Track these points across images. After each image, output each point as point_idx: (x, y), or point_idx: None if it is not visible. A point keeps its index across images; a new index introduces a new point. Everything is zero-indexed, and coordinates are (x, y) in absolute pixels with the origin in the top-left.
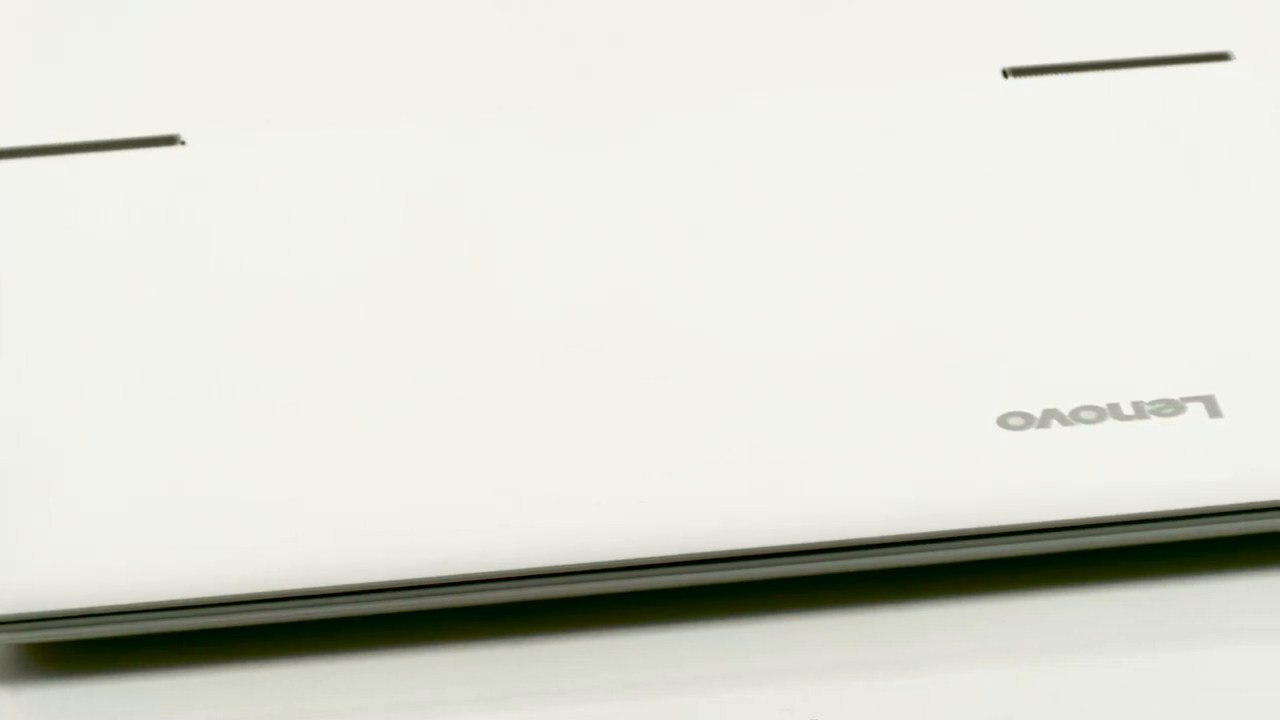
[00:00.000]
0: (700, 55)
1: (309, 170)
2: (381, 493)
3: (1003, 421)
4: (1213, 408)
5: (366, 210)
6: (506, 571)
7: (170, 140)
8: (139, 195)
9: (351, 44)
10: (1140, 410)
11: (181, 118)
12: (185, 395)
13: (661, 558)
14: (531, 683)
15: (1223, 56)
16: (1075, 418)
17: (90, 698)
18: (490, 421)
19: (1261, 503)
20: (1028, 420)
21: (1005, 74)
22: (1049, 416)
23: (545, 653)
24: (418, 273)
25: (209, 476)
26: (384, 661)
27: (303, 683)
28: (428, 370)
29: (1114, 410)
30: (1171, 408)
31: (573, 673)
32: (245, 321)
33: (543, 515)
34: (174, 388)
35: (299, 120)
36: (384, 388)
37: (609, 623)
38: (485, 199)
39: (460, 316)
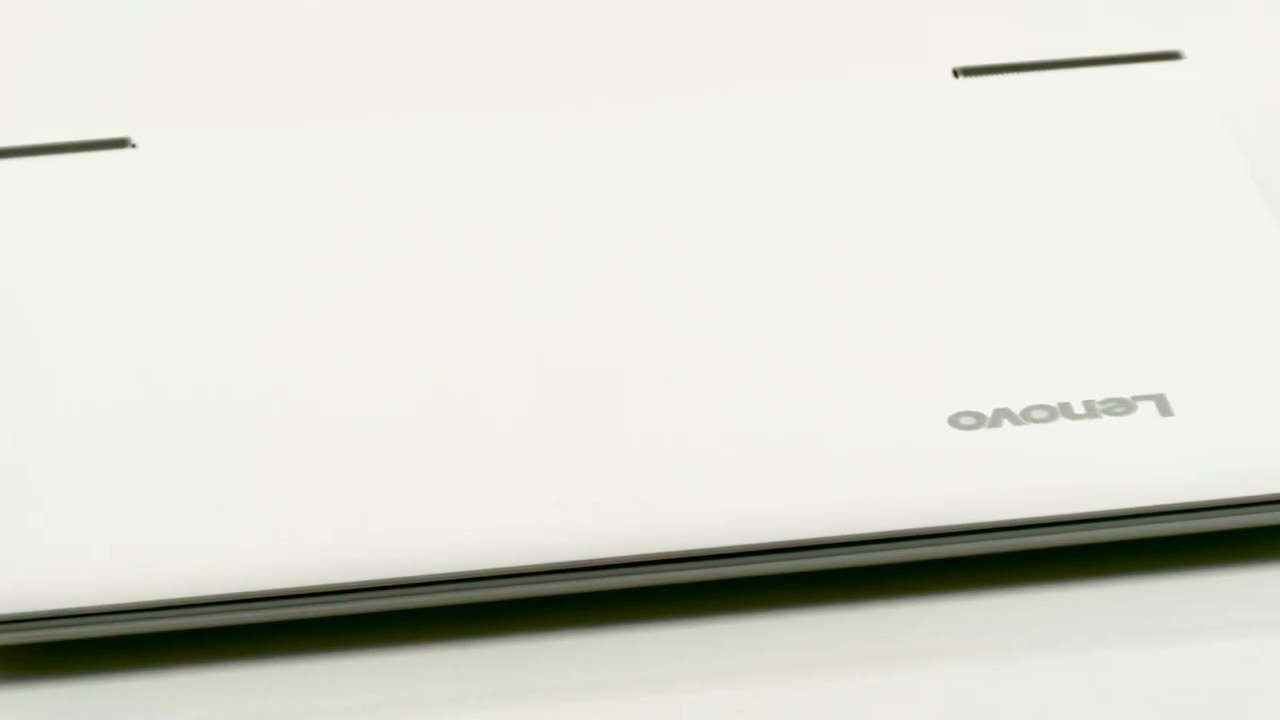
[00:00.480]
0: (696, 55)
1: (284, 171)
2: (368, 493)
3: (954, 421)
4: (1164, 406)
5: (354, 209)
6: (467, 573)
7: (121, 143)
8: (97, 197)
9: (345, 44)
10: (1091, 409)
11: (172, 118)
12: (173, 395)
13: (617, 559)
14: (500, 683)
15: (1173, 55)
16: (1026, 417)
17: (69, 699)
18: (453, 422)
19: (1212, 501)
20: (979, 420)
21: (955, 73)
22: (1000, 416)
23: (508, 653)
24: (409, 271)
25: (191, 477)
26: (363, 661)
27: (284, 682)
28: (413, 369)
29: (1065, 409)
30: (1123, 407)
31: (538, 673)
32: (233, 321)
33: (504, 516)
34: (162, 387)
35: (292, 121)
36: (373, 388)
37: (567, 623)
38: (473, 198)
39: (447, 313)
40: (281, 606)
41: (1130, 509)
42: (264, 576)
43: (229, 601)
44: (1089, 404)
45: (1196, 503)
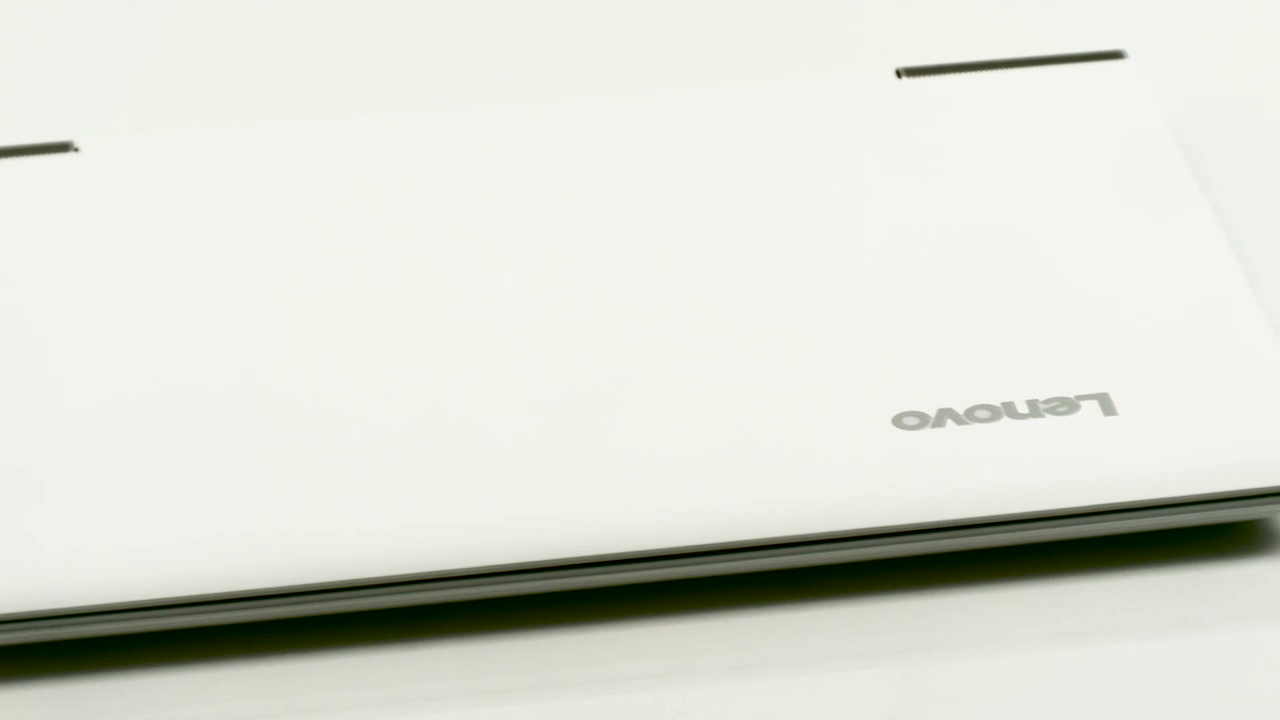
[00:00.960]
0: (637, 54)
1: (233, 171)
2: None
3: (898, 421)
4: (1107, 406)
5: (309, 206)
6: (394, 576)
7: (64, 147)
8: (43, 201)
9: (305, 42)
10: (1035, 409)
11: (115, 120)
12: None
13: (555, 561)
14: (439, 685)
15: (1116, 55)
16: (970, 417)
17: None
18: (403, 423)
19: (1155, 500)
20: (923, 420)
21: (899, 73)
22: (944, 416)
23: (445, 655)
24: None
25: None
26: (335, 660)
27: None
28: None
29: (1009, 409)
30: (1066, 406)
31: (470, 675)
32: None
33: (440, 519)
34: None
35: (238, 122)
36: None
37: (507, 626)
38: (427, 195)
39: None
40: (278, 605)
41: (1073, 508)
42: (260, 575)
43: (226, 600)
44: (1032, 404)
45: (1140, 502)
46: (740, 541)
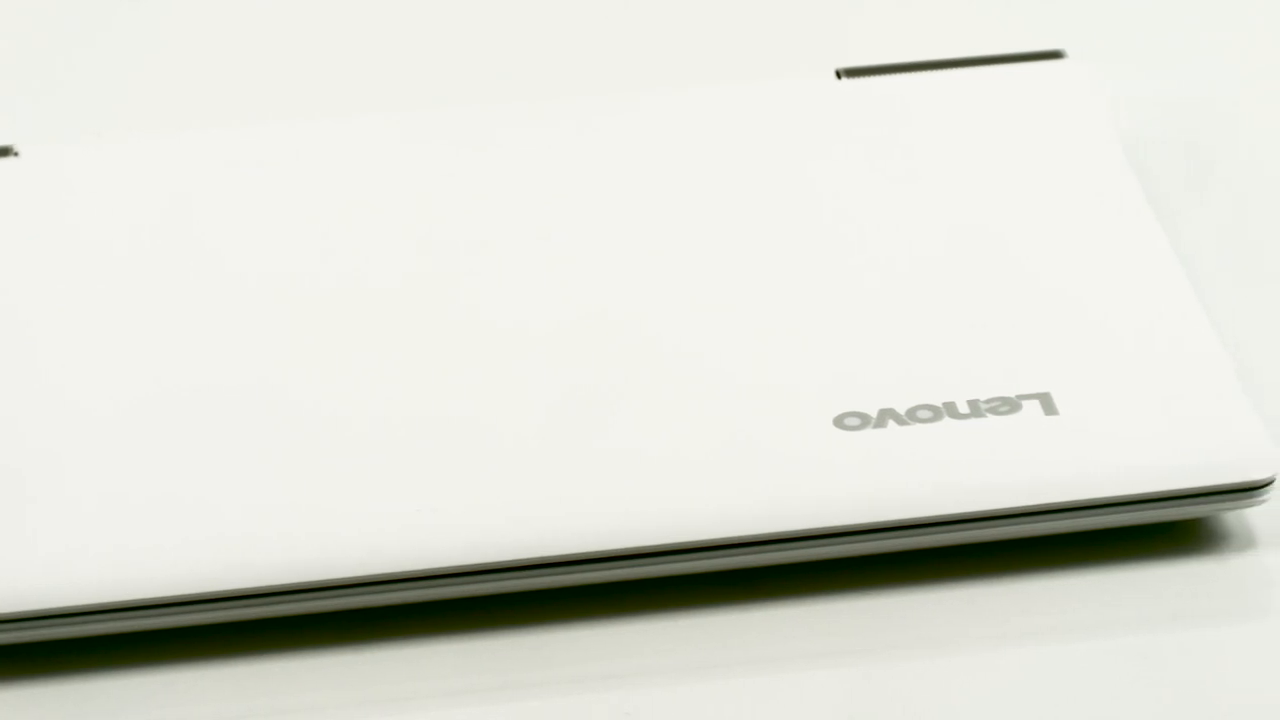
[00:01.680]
0: (572, 59)
1: (176, 176)
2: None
3: (839, 422)
4: (1048, 405)
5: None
6: (362, 578)
7: (4, 151)
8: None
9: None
10: (976, 409)
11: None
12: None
13: (502, 563)
14: (387, 688)
15: (1056, 54)
16: (912, 417)
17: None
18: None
19: (1097, 499)
20: (864, 420)
21: (839, 74)
22: (885, 416)
23: (395, 658)
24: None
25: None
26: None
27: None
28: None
29: (950, 409)
30: (1007, 406)
31: (422, 677)
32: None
33: (402, 522)
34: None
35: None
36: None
37: (452, 628)
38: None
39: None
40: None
41: (1015, 508)
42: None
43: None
44: (974, 403)
45: (1081, 501)
46: (684, 543)
